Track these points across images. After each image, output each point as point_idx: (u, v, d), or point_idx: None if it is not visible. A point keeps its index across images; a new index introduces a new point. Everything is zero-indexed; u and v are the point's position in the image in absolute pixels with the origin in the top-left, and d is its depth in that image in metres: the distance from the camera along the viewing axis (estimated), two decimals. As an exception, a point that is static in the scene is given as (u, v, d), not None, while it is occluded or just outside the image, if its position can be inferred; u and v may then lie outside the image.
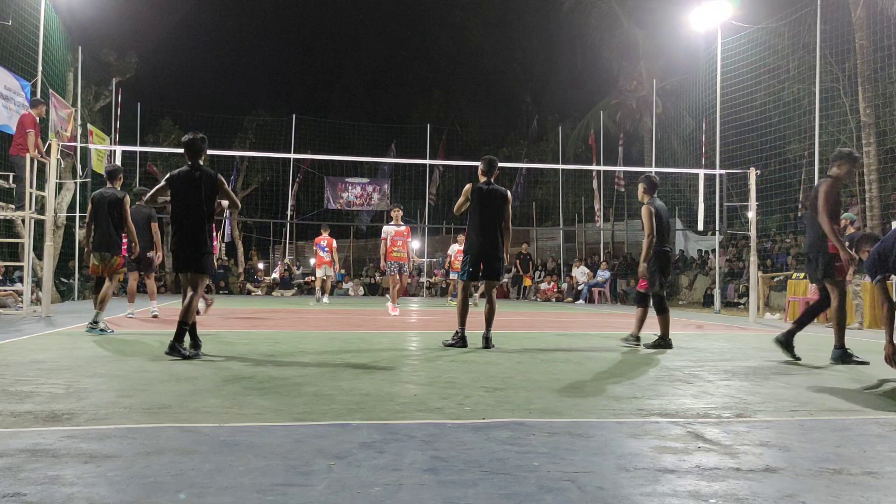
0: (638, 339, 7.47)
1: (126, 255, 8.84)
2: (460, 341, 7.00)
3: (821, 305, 6.84)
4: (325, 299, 16.89)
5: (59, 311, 11.73)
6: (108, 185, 8.26)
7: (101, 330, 7.69)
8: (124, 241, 8.48)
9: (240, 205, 6.68)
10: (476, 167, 7.36)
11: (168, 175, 6.20)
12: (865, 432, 3.47)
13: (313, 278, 18.28)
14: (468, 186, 7.18)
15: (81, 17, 17.00)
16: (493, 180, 7.23)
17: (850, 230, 12.02)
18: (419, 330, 9.60)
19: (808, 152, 16.59)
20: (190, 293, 6.07)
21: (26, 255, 11.20)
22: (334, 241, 16.63)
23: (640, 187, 7.65)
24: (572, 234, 28.29)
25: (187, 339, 5.95)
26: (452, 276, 17.77)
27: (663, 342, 7.37)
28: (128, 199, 8.12)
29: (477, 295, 14.90)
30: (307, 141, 27.09)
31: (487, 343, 7.00)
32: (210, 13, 41.29)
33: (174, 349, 5.75)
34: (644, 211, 7.44)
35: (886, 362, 5.18)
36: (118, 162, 11.93)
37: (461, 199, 7.23)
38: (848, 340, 6.52)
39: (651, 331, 7.60)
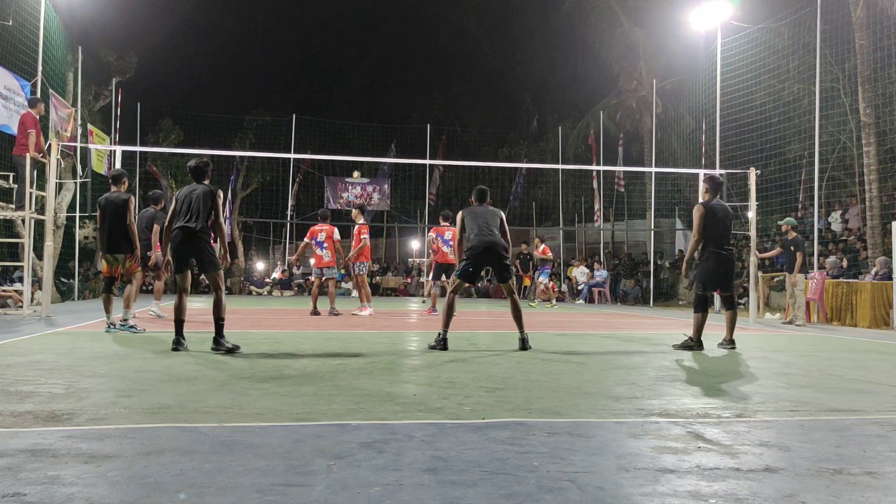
0: (700, 342, 7.28)
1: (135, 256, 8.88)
2: (441, 343, 6.77)
3: None
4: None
5: (59, 311, 11.73)
6: (113, 188, 8.33)
7: (132, 327, 8.01)
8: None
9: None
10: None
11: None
12: (865, 432, 3.47)
13: (313, 278, 17.57)
14: (460, 214, 7.17)
15: (81, 17, 16.99)
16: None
17: (792, 235, 12.21)
18: (419, 330, 9.60)
19: (808, 152, 16.58)
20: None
21: (26, 255, 11.20)
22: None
23: (703, 187, 7.57)
24: (572, 234, 28.27)
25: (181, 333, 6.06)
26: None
27: (692, 343, 7.25)
28: (132, 200, 8.19)
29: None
30: (307, 141, 27.08)
31: (524, 344, 6.85)
32: (210, 13, 41.31)
33: (218, 343, 6.20)
34: (695, 210, 7.40)
35: None
36: (118, 162, 11.93)
37: (458, 227, 7.14)
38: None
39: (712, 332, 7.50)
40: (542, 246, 17.20)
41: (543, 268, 17.47)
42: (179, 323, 6.41)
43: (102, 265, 8.37)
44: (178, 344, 6.29)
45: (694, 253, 7.44)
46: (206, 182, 6.66)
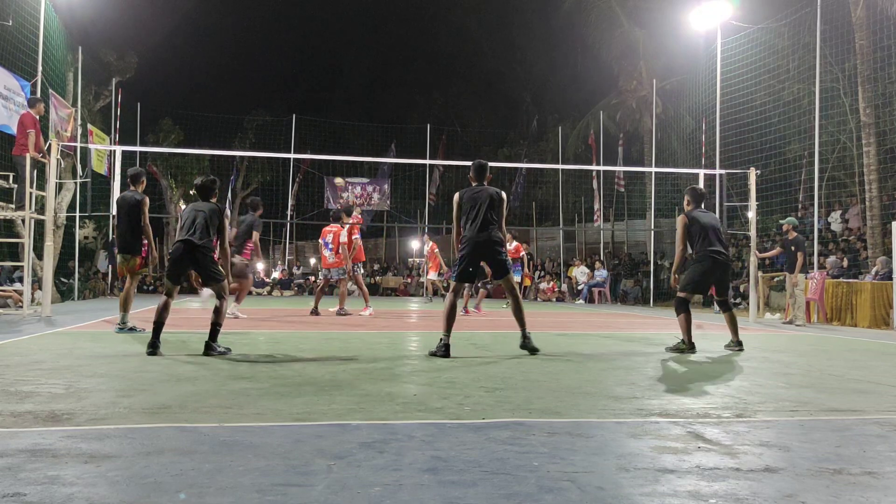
0: (692, 345, 7.09)
1: (146, 256, 8.87)
2: (443, 350, 6.38)
3: None
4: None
5: (59, 311, 11.73)
6: (131, 187, 8.33)
7: (131, 329, 7.98)
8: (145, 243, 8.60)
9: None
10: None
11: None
12: (865, 432, 3.47)
13: (313, 278, 17.84)
14: (456, 196, 6.79)
15: (81, 17, 17.00)
16: (485, 184, 6.80)
17: (793, 235, 12.23)
18: (419, 330, 9.60)
19: (808, 152, 16.58)
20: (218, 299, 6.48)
21: (26, 255, 11.19)
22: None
23: (685, 199, 7.54)
24: (572, 234, 28.28)
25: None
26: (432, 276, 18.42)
27: (685, 346, 7.06)
28: (146, 201, 8.19)
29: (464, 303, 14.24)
30: (307, 141, 27.10)
31: (525, 344, 6.57)
32: (210, 13, 41.32)
33: (210, 348, 6.09)
34: (678, 221, 7.38)
35: None
36: (118, 162, 11.92)
37: (454, 211, 6.75)
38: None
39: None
40: (514, 244, 16.82)
41: (514, 266, 17.35)
42: (159, 325, 6.14)
43: (118, 266, 8.45)
44: (154, 346, 5.97)
45: (681, 263, 7.40)
46: (213, 200, 6.71)
